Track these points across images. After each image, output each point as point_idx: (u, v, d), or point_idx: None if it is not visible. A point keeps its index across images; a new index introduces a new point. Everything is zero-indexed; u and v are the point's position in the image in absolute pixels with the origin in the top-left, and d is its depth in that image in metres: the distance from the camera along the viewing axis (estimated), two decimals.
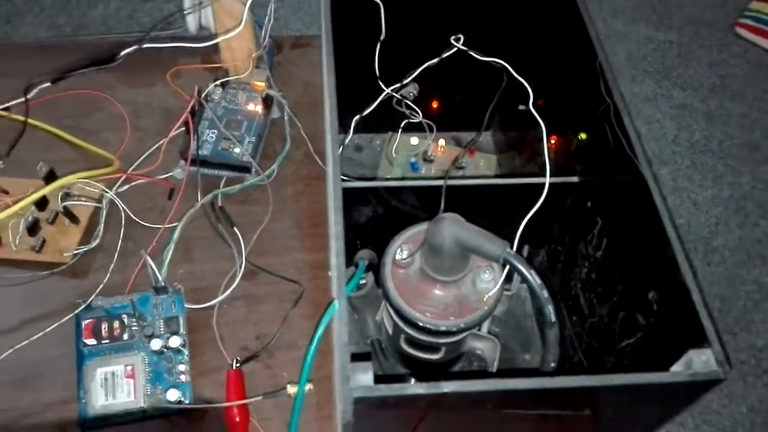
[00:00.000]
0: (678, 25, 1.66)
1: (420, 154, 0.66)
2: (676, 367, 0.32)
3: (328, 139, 0.42)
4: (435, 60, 0.58)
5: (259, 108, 0.66)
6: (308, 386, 0.47)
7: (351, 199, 0.50)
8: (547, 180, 0.43)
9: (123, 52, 0.47)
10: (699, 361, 0.31)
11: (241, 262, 0.56)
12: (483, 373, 0.50)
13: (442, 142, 0.67)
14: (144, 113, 0.66)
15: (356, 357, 0.29)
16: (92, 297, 0.51)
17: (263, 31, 0.69)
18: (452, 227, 0.41)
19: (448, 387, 0.29)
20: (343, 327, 0.31)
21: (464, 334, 0.46)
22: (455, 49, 0.57)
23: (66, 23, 1.42)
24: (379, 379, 0.29)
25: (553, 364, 0.40)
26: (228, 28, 0.62)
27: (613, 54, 1.56)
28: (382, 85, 0.58)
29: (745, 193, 1.38)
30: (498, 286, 0.43)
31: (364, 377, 0.29)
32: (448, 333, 0.44)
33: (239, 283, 0.55)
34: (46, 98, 0.62)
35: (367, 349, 0.53)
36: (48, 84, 0.59)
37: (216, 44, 0.65)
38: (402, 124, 0.65)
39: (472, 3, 0.57)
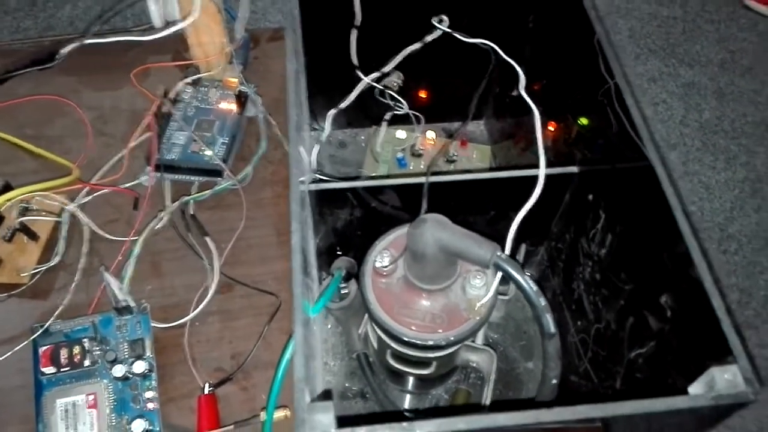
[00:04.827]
0: None
1: (407, 149, 0.61)
2: (696, 388, 0.27)
3: (293, 136, 0.38)
4: (417, 45, 0.54)
5: (233, 106, 0.61)
6: (285, 413, 0.43)
7: (326, 201, 0.45)
8: (542, 171, 0.38)
9: (63, 50, 0.43)
10: (723, 380, 0.26)
11: (215, 275, 0.51)
12: (468, 408, 0.45)
13: (431, 134, 0.62)
14: (110, 118, 0.62)
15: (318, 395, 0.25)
16: (50, 320, 0.47)
17: (237, 24, 0.64)
18: (434, 230, 0.36)
19: (422, 428, 0.24)
20: (301, 358, 0.26)
21: (456, 348, 0.41)
22: (439, 32, 0.52)
23: (32, 26, 1.37)
24: (343, 421, 0.25)
25: (554, 381, 0.36)
26: (195, 20, 0.57)
27: (615, 32, 1.48)
28: (361, 75, 0.54)
29: (761, 174, 1.30)
30: (491, 293, 0.38)
31: (324, 418, 0.25)
32: (437, 347, 0.39)
33: (212, 297, 0.51)
34: (1, 105, 0.58)
35: (353, 364, 0.49)
36: None
37: (185, 40, 0.61)
38: (386, 117, 0.61)
39: None
